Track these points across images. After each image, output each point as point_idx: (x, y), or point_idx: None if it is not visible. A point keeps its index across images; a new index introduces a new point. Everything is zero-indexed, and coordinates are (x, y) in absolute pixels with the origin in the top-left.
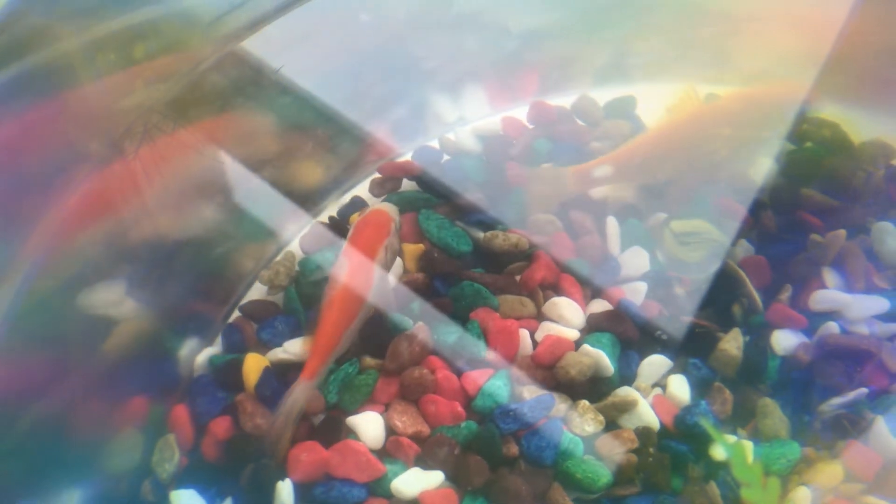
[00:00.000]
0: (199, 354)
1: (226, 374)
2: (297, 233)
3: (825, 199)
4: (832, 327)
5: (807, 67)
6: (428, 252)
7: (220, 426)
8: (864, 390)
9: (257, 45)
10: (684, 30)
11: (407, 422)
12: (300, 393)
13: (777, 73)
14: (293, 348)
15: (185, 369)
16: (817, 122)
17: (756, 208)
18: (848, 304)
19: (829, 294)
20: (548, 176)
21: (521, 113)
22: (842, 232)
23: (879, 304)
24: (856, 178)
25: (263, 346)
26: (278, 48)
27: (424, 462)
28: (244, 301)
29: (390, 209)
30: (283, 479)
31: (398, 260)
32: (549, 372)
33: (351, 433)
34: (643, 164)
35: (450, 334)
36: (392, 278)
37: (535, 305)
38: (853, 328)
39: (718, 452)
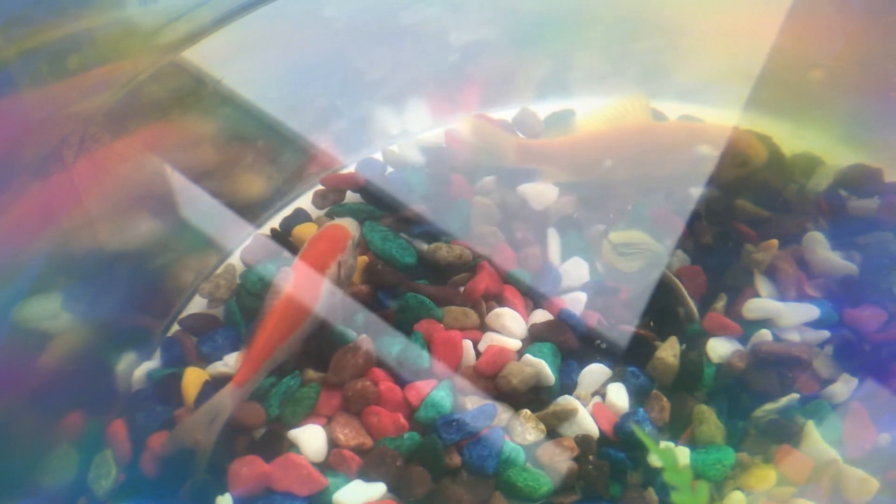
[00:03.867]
0: (138, 368)
1: (165, 388)
2: (239, 245)
3: (758, 211)
4: (765, 335)
5: (739, 81)
6: (372, 264)
7: (159, 441)
8: (795, 396)
9: (198, 56)
10: (620, 44)
11: (349, 434)
12: (226, 398)
13: (711, 87)
14: (234, 362)
15: (123, 384)
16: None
17: (691, 219)
18: (780, 313)
19: (762, 303)
20: (494, 138)
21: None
22: (774, 242)
23: (810, 311)
24: (787, 190)
25: (203, 360)
26: (219, 59)
27: (367, 474)
28: (184, 314)
29: (350, 224)
30: (223, 494)
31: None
32: (492, 382)
33: (293, 446)
34: (583, 157)
35: (393, 346)
36: (342, 294)
37: (478, 316)
38: (785, 335)
39: (655, 459)
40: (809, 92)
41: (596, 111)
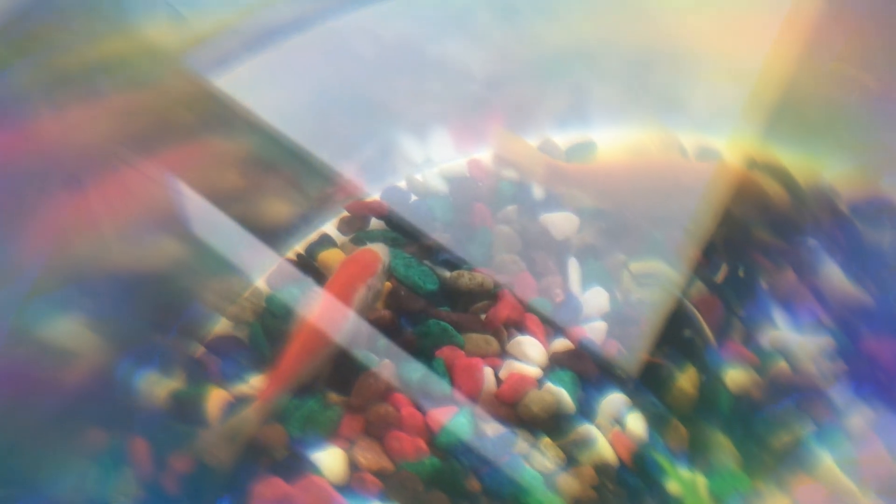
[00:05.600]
0: (162, 388)
1: (188, 408)
2: (265, 269)
3: (775, 241)
4: (782, 366)
5: (756, 111)
6: (395, 290)
7: (181, 461)
8: (811, 425)
9: (227, 83)
10: (639, 75)
11: (371, 458)
12: (251, 415)
13: (728, 117)
14: (258, 383)
15: (147, 402)
16: (765, 166)
17: (709, 250)
18: (796, 342)
19: (779, 333)
20: (524, 154)
21: (486, 155)
22: (790, 272)
23: (826, 341)
24: (803, 220)
25: (227, 381)
26: (249, 86)
27: (387, 498)
28: (210, 336)
29: (381, 250)
30: None
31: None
32: (513, 409)
33: (314, 468)
34: (608, 185)
35: (415, 371)
36: (365, 318)
37: (499, 344)
38: (801, 365)
39: (674, 487)
40: (827, 121)
41: (625, 143)
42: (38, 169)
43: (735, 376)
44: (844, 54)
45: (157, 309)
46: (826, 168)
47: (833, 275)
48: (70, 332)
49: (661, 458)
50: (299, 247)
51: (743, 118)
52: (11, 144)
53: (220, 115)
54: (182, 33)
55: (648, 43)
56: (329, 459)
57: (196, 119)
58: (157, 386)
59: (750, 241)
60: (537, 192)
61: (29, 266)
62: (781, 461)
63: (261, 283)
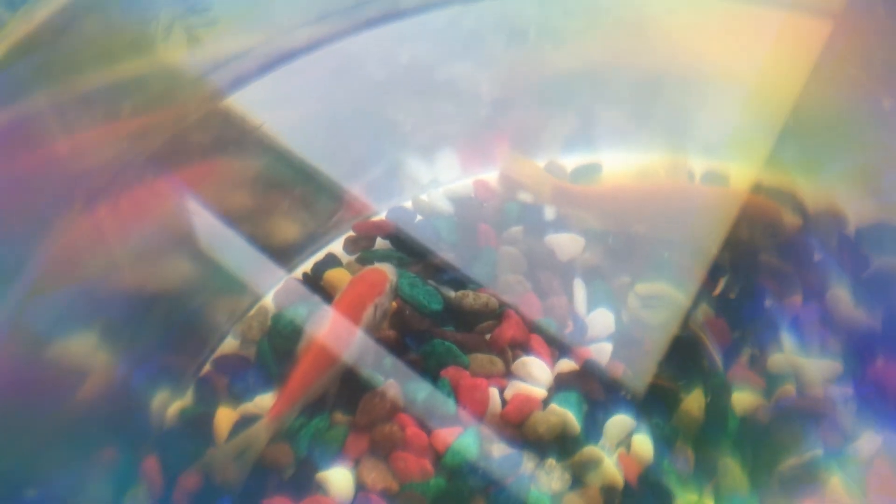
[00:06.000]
0: (171, 406)
1: (197, 426)
2: (272, 288)
3: (782, 265)
4: (789, 389)
5: (765, 135)
6: (400, 309)
7: (191, 479)
8: (819, 451)
9: (240, 103)
10: (647, 99)
11: (377, 478)
12: (259, 432)
13: (737, 141)
14: (264, 402)
15: (156, 421)
16: (773, 191)
17: (716, 273)
18: (804, 367)
19: (786, 357)
20: (532, 175)
21: (492, 176)
22: (798, 297)
23: (834, 367)
24: (811, 245)
25: (235, 400)
26: (261, 107)
27: None
28: (217, 354)
29: (388, 269)
30: None
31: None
32: (518, 430)
33: (321, 488)
34: (616, 207)
35: (420, 391)
36: (373, 337)
37: (504, 364)
38: (809, 390)
39: None
40: (835, 145)
41: (631, 167)
42: (54, 188)
43: (742, 399)
44: (856, 75)
45: (166, 327)
46: (834, 192)
47: (840, 299)
48: (81, 349)
49: (669, 480)
50: (306, 266)
51: (750, 142)
52: (28, 163)
53: (233, 136)
54: (197, 54)
55: (656, 66)
56: (335, 479)
57: (209, 139)
58: (166, 404)
59: (757, 264)
60: (543, 213)
61: (43, 284)
62: (789, 484)
63: (268, 301)
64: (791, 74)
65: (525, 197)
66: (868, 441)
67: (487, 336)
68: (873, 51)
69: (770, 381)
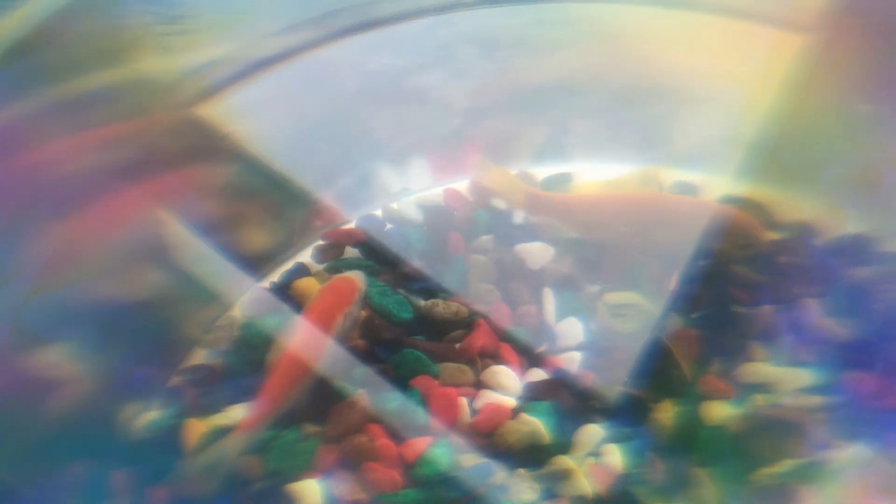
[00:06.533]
0: (141, 418)
1: (166, 438)
2: (241, 298)
3: (753, 275)
4: (761, 399)
5: (736, 148)
6: (369, 319)
7: (160, 493)
8: (791, 461)
9: (211, 112)
10: (618, 111)
11: (347, 490)
12: (233, 444)
13: (708, 154)
14: (234, 413)
15: (125, 433)
16: (743, 202)
17: (687, 283)
18: (775, 377)
19: (757, 367)
20: (506, 182)
21: (462, 185)
22: (769, 307)
23: (805, 376)
24: (782, 256)
25: (204, 411)
26: (232, 116)
27: None
28: (186, 365)
29: (358, 278)
30: None
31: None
32: (488, 439)
33: (291, 501)
34: (588, 216)
35: (390, 401)
36: (343, 346)
37: (474, 373)
38: (781, 400)
39: None
40: (804, 160)
41: (603, 177)
42: (24, 198)
43: (714, 410)
44: (828, 87)
45: (136, 338)
46: (804, 204)
47: (811, 310)
48: (49, 360)
49: (639, 491)
50: (275, 275)
51: (722, 154)
52: (2, 172)
53: (204, 145)
54: (170, 64)
55: (629, 78)
56: (306, 491)
57: (180, 148)
58: (136, 416)
59: (728, 274)
60: (514, 221)
61: (15, 294)
62: (761, 496)
63: (237, 312)
64: (763, 87)
65: (498, 203)
66: (840, 450)
67: (457, 345)
68: (845, 63)
69: (741, 391)
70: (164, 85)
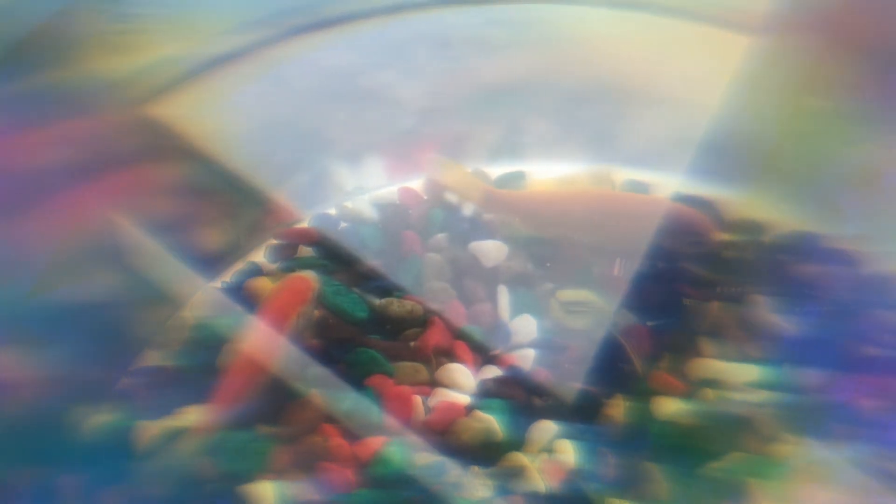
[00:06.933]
0: (91, 421)
1: (118, 441)
2: (193, 298)
3: (703, 272)
4: (710, 393)
5: (685, 147)
6: (324, 318)
7: (110, 497)
8: (740, 454)
9: (164, 111)
10: (570, 110)
11: (300, 490)
12: (187, 444)
13: (658, 153)
14: (186, 415)
15: (75, 436)
16: (693, 200)
17: (638, 280)
18: (724, 372)
19: (706, 362)
20: (462, 180)
21: (417, 184)
22: (717, 302)
23: (752, 371)
24: (730, 253)
25: (156, 413)
26: (184, 115)
27: None
28: (137, 366)
29: (312, 277)
30: None
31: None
32: (442, 437)
33: (245, 502)
34: (543, 213)
35: (345, 401)
36: (300, 347)
37: (428, 372)
38: (729, 395)
39: None
40: (752, 159)
41: (556, 176)
42: None
43: (664, 405)
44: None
45: (84, 338)
46: (753, 202)
47: (759, 306)
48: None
49: (589, 489)
50: (228, 275)
51: (673, 154)
52: None
53: (156, 144)
54: (121, 62)
55: (581, 79)
56: (260, 492)
57: (134, 147)
58: (84, 418)
59: (679, 272)
60: (468, 219)
61: None
62: (712, 491)
63: (190, 312)
64: (712, 87)
65: (451, 197)
66: (786, 444)
67: (413, 343)
68: (792, 62)
69: (691, 387)
70: (117, 83)
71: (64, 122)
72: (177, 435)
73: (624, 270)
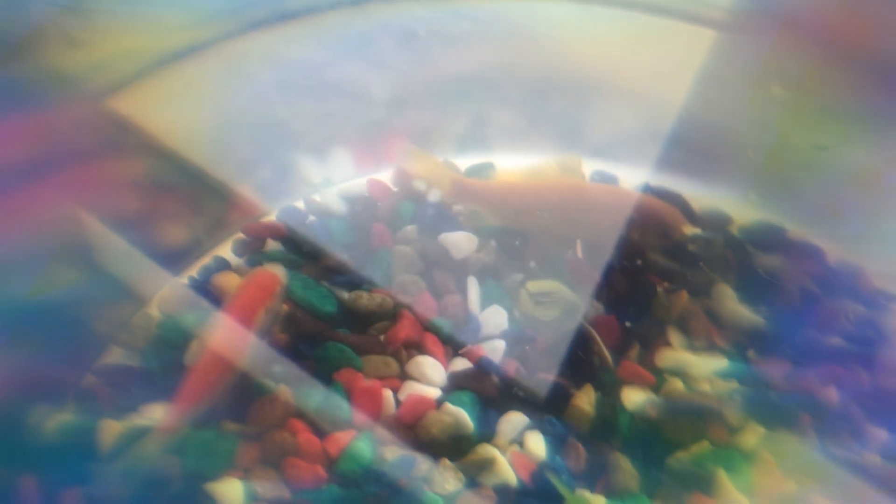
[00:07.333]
0: (50, 421)
1: (79, 441)
2: (157, 294)
3: (669, 263)
4: (677, 384)
5: (651, 140)
6: (292, 312)
7: (72, 497)
8: (707, 444)
9: (122, 104)
10: (537, 102)
11: (268, 487)
12: (151, 443)
13: (624, 145)
14: (150, 413)
15: (34, 437)
16: (660, 192)
17: (606, 271)
18: (691, 363)
19: (674, 353)
20: (432, 168)
21: (386, 176)
22: (684, 293)
23: (720, 362)
24: (697, 244)
25: (120, 412)
26: (146, 108)
27: None
28: (100, 364)
29: (279, 271)
30: None
31: None
32: (412, 431)
33: (211, 500)
34: (512, 203)
35: (313, 396)
36: (267, 342)
37: (398, 365)
38: (696, 385)
39: None
40: (716, 150)
41: (524, 167)
42: None
43: (632, 395)
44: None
45: (44, 336)
46: (719, 194)
47: (726, 297)
48: None
49: (557, 482)
50: (193, 270)
51: (640, 146)
52: None
53: (115, 138)
54: (79, 56)
55: (547, 71)
56: (226, 490)
57: (93, 142)
58: (45, 418)
59: (646, 263)
60: (437, 208)
61: None
62: (679, 481)
63: (154, 309)
64: (678, 80)
65: (420, 186)
66: (753, 434)
67: (382, 337)
68: (757, 56)
69: (658, 377)
70: (75, 77)
71: (21, 116)
72: (141, 434)
73: (586, 254)
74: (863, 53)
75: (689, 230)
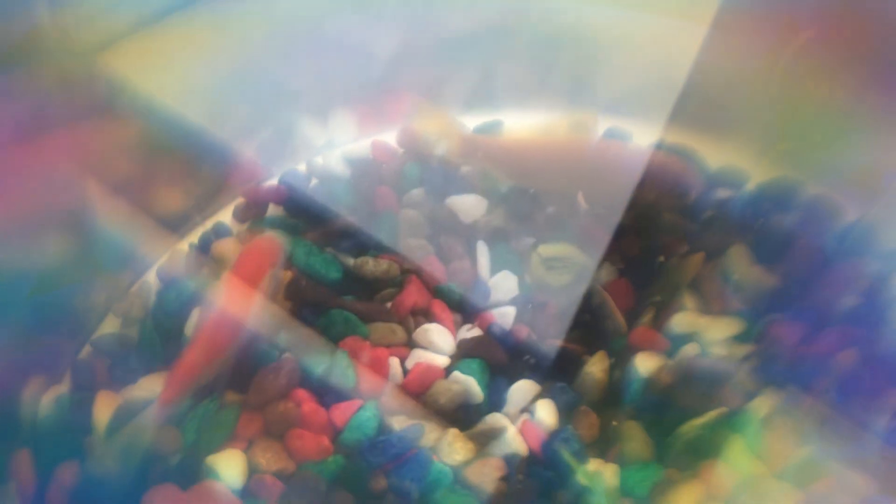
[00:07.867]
0: (46, 394)
1: (75, 414)
2: (155, 261)
3: (684, 224)
4: (692, 348)
5: (664, 94)
6: (295, 280)
7: (68, 472)
8: (723, 410)
9: (113, 63)
10: (546, 57)
11: (271, 458)
12: (151, 416)
13: (636, 99)
14: (149, 385)
15: (29, 411)
16: (673, 148)
17: (619, 233)
18: (706, 326)
19: (688, 316)
20: (442, 124)
21: (390, 137)
22: (700, 255)
23: (735, 325)
24: (712, 203)
25: (117, 384)
26: (136, 66)
27: (289, 500)
28: (97, 335)
29: (281, 237)
30: None
31: None
32: (420, 400)
33: (211, 473)
34: (522, 161)
35: (318, 365)
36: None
37: (405, 332)
38: (711, 349)
39: (582, 478)
40: (732, 105)
41: (534, 124)
42: None
43: (645, 361)
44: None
45: (40, 307)
46: (734, 151)
47: (742, 257)
48: None
49: (566, 454)
50: (193, 237)
51: (652, 100)
52: None
53: (109, 98)
54: (67, 14)
55: (554, 25)
56: (226, 462)
57: (82, 102)
58: (40, 391)
59: (659, 223)
60: (444, 169)
61: None
62: (692, 448)
63: (151, 277)
64: (688, 37)
65: (427, 146)
66: (768, 398)
67: (389, 304)
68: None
69: (673, 341)
70: (62, 34)
71: (7, 77)
72: (140, 406)
73: (599, 216)
74: None
75: (703, 188)
